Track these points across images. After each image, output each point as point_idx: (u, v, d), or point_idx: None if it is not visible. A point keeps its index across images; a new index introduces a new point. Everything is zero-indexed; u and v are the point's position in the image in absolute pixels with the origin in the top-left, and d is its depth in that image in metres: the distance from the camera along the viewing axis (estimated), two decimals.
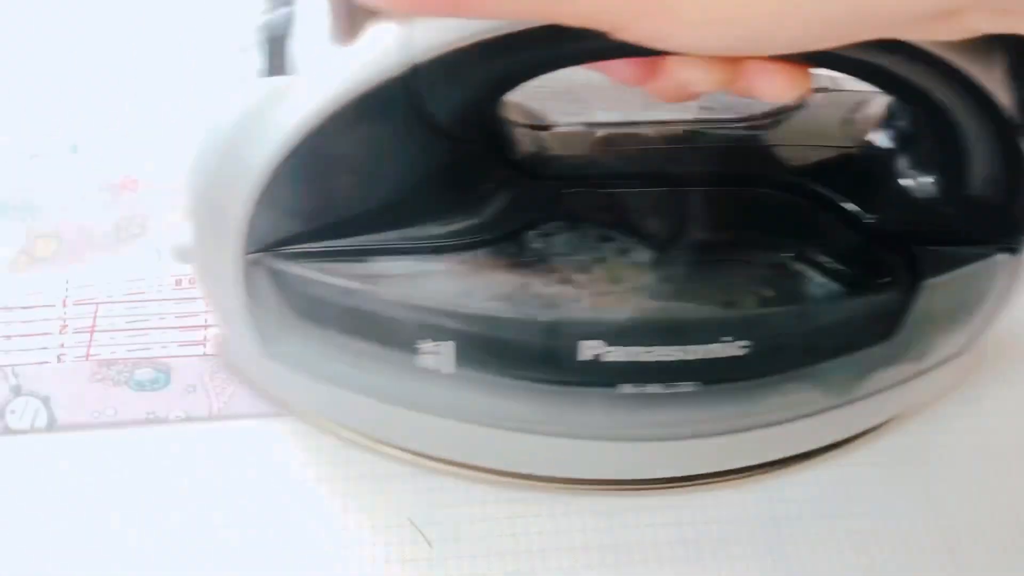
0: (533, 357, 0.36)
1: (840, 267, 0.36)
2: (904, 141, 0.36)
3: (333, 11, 0.30)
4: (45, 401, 0.42)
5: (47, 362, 0.44)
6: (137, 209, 0.50)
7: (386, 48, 0.29)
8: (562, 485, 0.41)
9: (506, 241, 0.35)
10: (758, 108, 0.38)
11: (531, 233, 0.36)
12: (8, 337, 0.44)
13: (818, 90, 0.38)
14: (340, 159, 0.32)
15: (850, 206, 0.36)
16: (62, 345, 0.44)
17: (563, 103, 0.38)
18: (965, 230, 0.36)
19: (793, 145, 0.37)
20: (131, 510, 0.39)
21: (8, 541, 0.38)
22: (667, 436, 0.39)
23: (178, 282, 0.47)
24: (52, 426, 0.41)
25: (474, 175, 0.35)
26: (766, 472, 0.42)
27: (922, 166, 0.36)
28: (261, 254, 0.34)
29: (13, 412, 0.42)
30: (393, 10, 0.28)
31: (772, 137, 0.38)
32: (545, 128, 0.37)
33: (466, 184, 0.35)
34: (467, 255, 0.35)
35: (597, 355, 0.35)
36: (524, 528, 0.40)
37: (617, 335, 0.35)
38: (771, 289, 0.36)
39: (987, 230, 0.36)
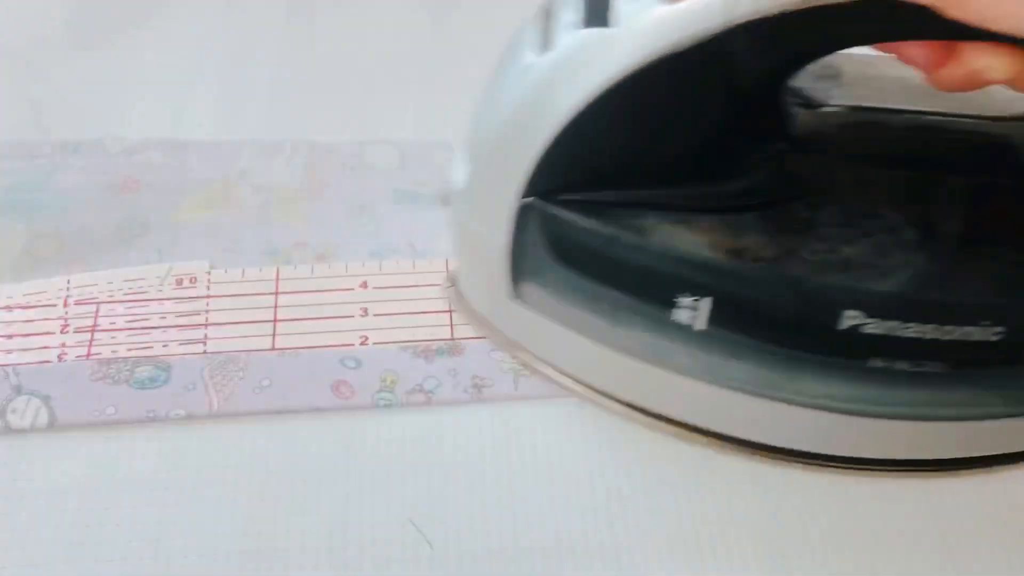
0: (788, 321, 0.37)
1: None
2: None
3: None
4: (46, 400, 0.42)
5: (48, 361, 0.44)
6: (138, 209, 0.51)
7: (710, 6, 0.30)
8: (794, 459, 0.41)
9: (774, 207, 0.37)
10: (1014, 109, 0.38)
11: (798, 203, 0.37)
12: (9, 337, 0.45)
13: None
14: (637, 113, 0.34)
15: None
16: (63, 345, 0.44)
17: (825, 85, 0.39)
18: None
19: None
20: (131, 509, 0.39)
21: (8, 541, 0.38)
22: (908, 415, 0.39)
23: (179, 282, 0.47)
24: (53, 425, 0.42)
25: (751, 141, 0.36)
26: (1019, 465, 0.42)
27: None
28: (535, 199, 0.36)
29: (14, 411, 0.42)
30: None
31: None
32: (815, 106, 0.38)
33: (742, 149, 0.36)
34: (736, 217, 0.36)
35: (855, 325, 0.35)
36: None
37: (879, 307, 0.35)
38: None
39: None
